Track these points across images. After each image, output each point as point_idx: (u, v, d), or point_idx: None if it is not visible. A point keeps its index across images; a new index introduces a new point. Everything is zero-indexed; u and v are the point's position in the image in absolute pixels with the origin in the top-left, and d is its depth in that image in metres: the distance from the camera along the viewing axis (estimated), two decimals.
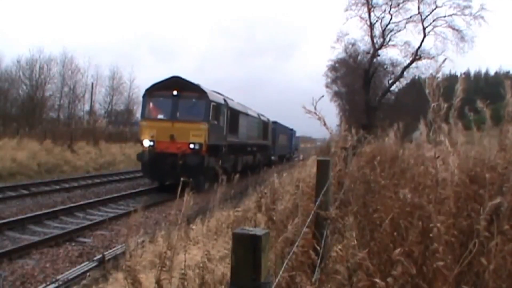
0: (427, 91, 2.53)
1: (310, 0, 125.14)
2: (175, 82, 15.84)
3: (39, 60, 37.29)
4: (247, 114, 22.84)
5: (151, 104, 16.31)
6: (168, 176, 15.22)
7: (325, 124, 3.90)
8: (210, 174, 14.78)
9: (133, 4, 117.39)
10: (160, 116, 16.27)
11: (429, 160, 2.87)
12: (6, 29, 60.80)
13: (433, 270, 2.18)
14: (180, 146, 15.09)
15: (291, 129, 44.38)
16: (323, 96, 3.72)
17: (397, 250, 2.14)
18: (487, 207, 2.19)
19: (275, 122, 33.38)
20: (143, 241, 6.08)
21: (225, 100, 18.28)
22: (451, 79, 2.68)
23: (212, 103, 15.98)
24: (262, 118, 28.11)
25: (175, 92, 15.57)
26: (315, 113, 3.59)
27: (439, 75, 2.59)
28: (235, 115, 19.67)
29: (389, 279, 2.10)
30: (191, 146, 15.16)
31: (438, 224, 2.20)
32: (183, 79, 16.10)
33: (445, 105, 2.54)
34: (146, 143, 15.46)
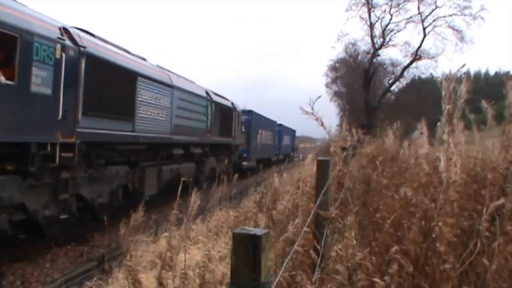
0: (443, 93, 2.51)
1: (312, 1, 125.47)
2: None
3: None
4: (170, 86, 11.55)
5: None
6: None
7: (322, 125, 3.90)
8: None
9: (135, 5, 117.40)
10: None
11: (435, 160, 2.87)
12: None
13: (435, 270, 2.17)
14: None
15: (280, 124, 33.66)
16: (320, 96, 3.70)
17: (394, 249, 2.14)
18: (490, 208, 2.18)
19: (249, 112, 23.21)
20: (146, 240, 6.07)
21: (67, 32, 7.38)
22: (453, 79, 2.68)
23: None
24: (218, 100, 16.30)
25: None
26: (312, 113, 3.58)
27: (453, 76, 2.58)
28: (120, 76, 9.09)
29: (386, 277, 2.10)
30: None
31: (440, 223, 2.19)
32: None
33: (453, 106, 2.54)
34: None
